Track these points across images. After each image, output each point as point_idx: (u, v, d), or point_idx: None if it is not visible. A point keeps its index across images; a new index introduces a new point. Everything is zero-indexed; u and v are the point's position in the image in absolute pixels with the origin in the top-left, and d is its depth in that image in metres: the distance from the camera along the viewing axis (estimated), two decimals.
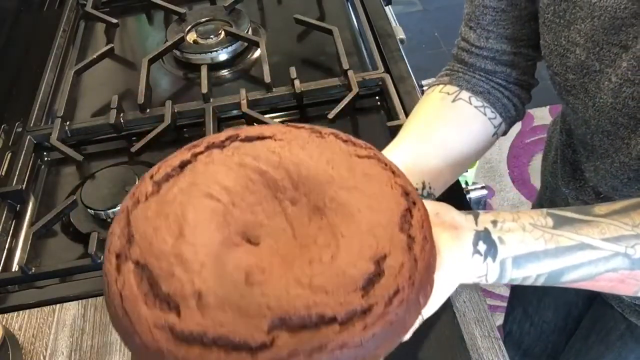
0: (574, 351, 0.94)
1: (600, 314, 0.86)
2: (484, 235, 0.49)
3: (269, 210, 0.46)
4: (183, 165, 0.48)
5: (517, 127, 2.35)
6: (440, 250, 0.47)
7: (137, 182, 0.47)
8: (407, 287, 0.40)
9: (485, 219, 0.50)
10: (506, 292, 1.77)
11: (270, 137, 0.49)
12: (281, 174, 0.47)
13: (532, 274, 0.49)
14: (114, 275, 0.42)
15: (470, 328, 0.69)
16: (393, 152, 0.64)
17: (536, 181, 2.17)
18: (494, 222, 0.50)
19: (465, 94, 0.69)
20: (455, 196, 0.82)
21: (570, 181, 0.76)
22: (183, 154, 0.48)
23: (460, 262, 0.48)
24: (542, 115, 2.38)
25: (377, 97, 1.01)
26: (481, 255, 0.49)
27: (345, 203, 0.44)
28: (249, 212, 0.46)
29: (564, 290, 0.95)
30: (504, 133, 0.73)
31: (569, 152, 0.77)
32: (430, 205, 0.50)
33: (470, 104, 0.69)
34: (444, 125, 0.67)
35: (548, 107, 2.38)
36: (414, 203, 0.45)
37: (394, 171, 0.47)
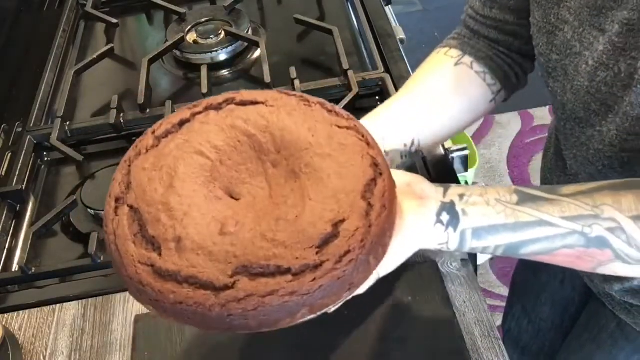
0: (569, 350, 0.94)
1: (593, 312, 0.86)
2: (448, 207, 0.53)
3: (252, 170, 0.51)
4: (182, 124, 0.53)
5: (517, 127, 2.35)
6: (404, 216, 0.51)
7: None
8: (358, 249, 0.45)
9: (454, 192, 0.54)
10: (506, 292, 1.77)
11: (262, 103, 0.53)
12: (267, 137, 0.51)
13: (491, 244, 0.53)
14: (111, 216, 0.48)
15: (470, 328, 0.69)
16: (388, 106, 0.68)
17: (536, 181, 2.17)
18: (461, 196, 0.53)
19: (467, 59, 0.71)
20: None
21: (560, 175, 0.76)
22: (183, 113, 0.53)
23: (422, 229, 0.52)
24: (542, 115, 2.38)
25: (377, 97, 1.01)
26: (443, 224, 0.52)
27: (318, 169, 0.49)
28: (234, 170, 0.51)
29: (560, 288, 0.95)
30: (504, 100, 0.75)
31: (558, 143, 0.78)
32: (406, 177, 0.54)
33: (472, 68, 0.71)
34: (441, 87, 0.70)
35: (548, 107, 2.38)
36: (381, 174, 0.49)
37: (369, 143, 0.50)
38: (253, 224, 0.47)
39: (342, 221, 0.46)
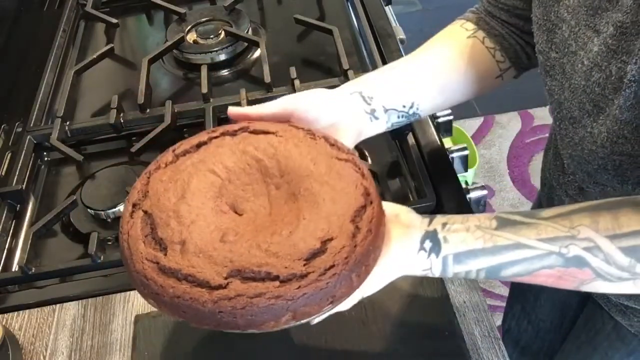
0: (566, 351, 0.95)
1: (590, 314, 0.86)
2: (431, 235, 0.56)
3: (256, 190, 0.58)
4: (199, 145, 0.60)
5: (517, 127, 2.35)
6: (390, 243, 0.55)
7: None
8: (342, 265, 0.50)
9: (438, 221, 0.57)
10: (506, 292, 1.77)
11: (273, 133, 0.59)
12: (273, 163, 0.58)
13: (472, 268, 0.56)
14: (127, 218, 0.55)
15: (470, 328, 0.69)
16: (394, 66, 0.73)
17: (536, 181, 2.17)
18: (444, 224, 0.57)
19: (480, 34, 0.74)
20: (456, 196, 0.82)
21: (559, 174, 0.76)
22: (202, 136, 0.60)
23: (406, 255, 0.56)
24: (542, 115, 2.38)
25: None
26: (426, 251, 0.56)
27: (315, 193, 0.54)
28: (241, 189, 0.58)
29: (558, 289, 0.95)
30: (515, 77, 0.77)
31: (557, 142, 0.78)
32: (395, 208, 0.59)
33: (483, 43, 0.74)
34: (449, 56, 0.73)
35: (548, 107, 2.38)
36: (371, 202, 0.54)
37: (364, 174, 0.56)
38: (251, 236, 0.52)
39: (331, 239, 0.51)
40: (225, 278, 0.49)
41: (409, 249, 0.56)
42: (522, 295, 1.07)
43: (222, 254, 0.50)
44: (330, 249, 0.51)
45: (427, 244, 0.56)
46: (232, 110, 0.64)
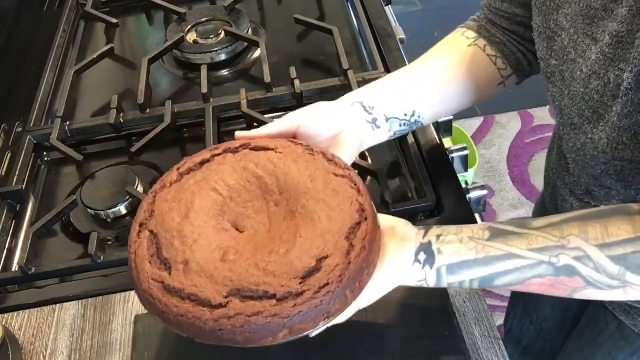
0: (569, 351, 0.94)
1: (594, 314, 0.86)
2: (425, 247, 0.58)
3: (257, 207, 0.60)
4: (203, 163, 0.62)
5: (517, 127, 2.35)
6: (386, 256, 0.57)
7: (164, 174, 0.63)
8: (336, 283, 0.52)
9: (432, 233, 0.58)
10: (507, 292, 1.77)
11: (273, 150, 0.62)
12: (272, 180, 0.60)
13: (466, 279, 0.57)
14: (134, 238, 0.58)
15: (470, 328, 0.69)
16: (397, 75, 0.74)
17: (536, 181, 2.17)
18: (438, 236, 0.58)
19: (481, 42, 0.75)
20: (456, 196, 0.82)
21: (564, 174, 0.76)
22: (205, 154, 0.63)
23: (402, 267, 0.58)
24: (542, 115, 2.38)
25: None
26: (420, 263, 0.57)
27: (311, 210, 0.56)
28: (242, 206, 0.60)
29: None
30: (517, 83, 0.78)
31: (561, 143, 0.78)
32: (392, 221, 0.60)
33: (484, 51, 0.74)
34: (450, 65, 0.74)
35: (548, 107, 2.38)
36: (366, 219, 0.56)
37: (360, 190, 0.58)
38: (250, 254, 0.55)
39: (326, 257, 0.53)
40: (226, 297, 0.52)
41: (404, 261, 0.58)
42: (524, 296, 1.07)
43: (223, 274, 0.53)
44: (325, 267, 0.53)
45: (422, 256, 0.57)
46: (240, 134, 0.66)
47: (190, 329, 0.53)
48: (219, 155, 0.62)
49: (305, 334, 0.53)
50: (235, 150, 0.63)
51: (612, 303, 0.79)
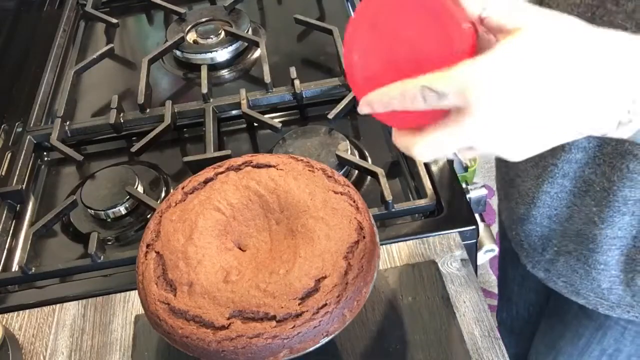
0: (542, 331, 0.97)
1: (558, 295, 0.87)
2: None
3: (259, 226, 0.61)
4: (206, 182, 0.63)
5: None
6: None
7: (172, 191, 0.65)
8: (334, 303, 0.54)
9: None
10: None
11: (274, 166, 0.63)
12: (273, 198, 0.61)
13: None
14: (142, 259, 0.60)
15: (470, 328, 0.69)
16: None
17: None
18: None
19: None
20: (456, 196, 0.82)
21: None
22: (208, 172, 0.64)
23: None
24: None
25: None
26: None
27: (310, 229, 0.58)
28: (244, 225, 0.61)
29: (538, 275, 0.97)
30: None
31: None
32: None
33: None
34: None
35: None
36: (364, 237, 0.58)
37: (358, 208, 0.60)
38: (252, 274, 0.56)
39: (324, 278, 0.55)
40: (228, 319, 0.54)
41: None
42: (507, 287, 1.10)
43: (225, 295, 0.55)
44: (323, 288, 0.54)
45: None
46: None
47: (195, 349, 0.55)
48: (222, 173, 0.64)
49: (306, 351, 0.54)
50: (237, 168, 0.64)
51: (566, 287, 0.81)
